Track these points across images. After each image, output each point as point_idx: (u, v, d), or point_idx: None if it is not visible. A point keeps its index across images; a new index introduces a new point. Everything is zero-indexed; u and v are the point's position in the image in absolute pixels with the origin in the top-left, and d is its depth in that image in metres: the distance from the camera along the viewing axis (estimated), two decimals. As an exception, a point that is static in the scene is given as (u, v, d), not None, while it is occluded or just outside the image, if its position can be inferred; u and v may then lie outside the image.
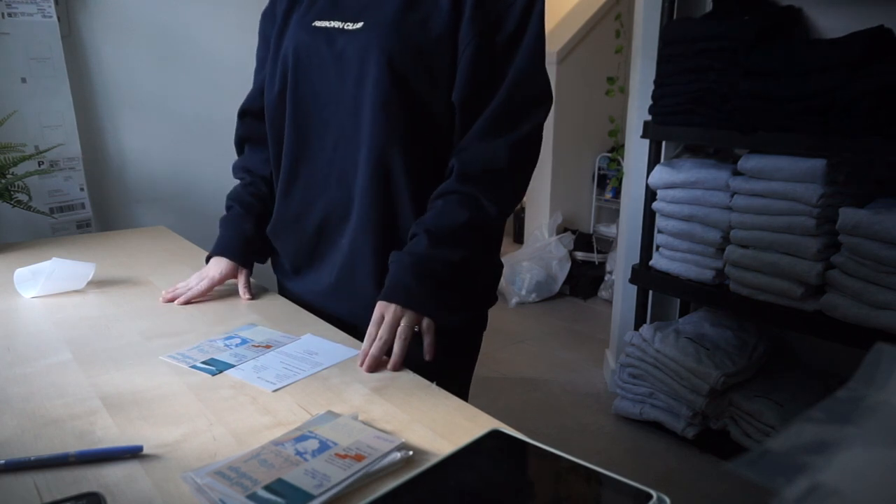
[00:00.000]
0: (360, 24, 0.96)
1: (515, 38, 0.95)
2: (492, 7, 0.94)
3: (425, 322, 0.93)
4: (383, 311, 0.91)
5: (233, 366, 0.88)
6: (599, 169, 3.91)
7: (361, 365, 0.87)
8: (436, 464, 0.63)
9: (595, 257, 3.67)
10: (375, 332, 0.90)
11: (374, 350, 0.88)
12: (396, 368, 0.87)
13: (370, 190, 0.99)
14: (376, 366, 0.87)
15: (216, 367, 0.88)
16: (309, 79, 1.01)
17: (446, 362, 0.97)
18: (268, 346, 0.95)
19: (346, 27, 0.97)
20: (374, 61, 0.94)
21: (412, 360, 0.90)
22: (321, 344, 0.96)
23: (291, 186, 1.07)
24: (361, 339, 0.93)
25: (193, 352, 0.93)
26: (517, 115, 0.96)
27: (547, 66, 0.99)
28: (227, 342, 0.96)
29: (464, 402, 0.80)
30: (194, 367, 0.88)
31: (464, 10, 0.93)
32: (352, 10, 0.97)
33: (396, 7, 0.94)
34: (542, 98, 0.98)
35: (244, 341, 0.97)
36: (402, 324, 0.90)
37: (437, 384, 0.84)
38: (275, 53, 1.05)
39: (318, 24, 0.99)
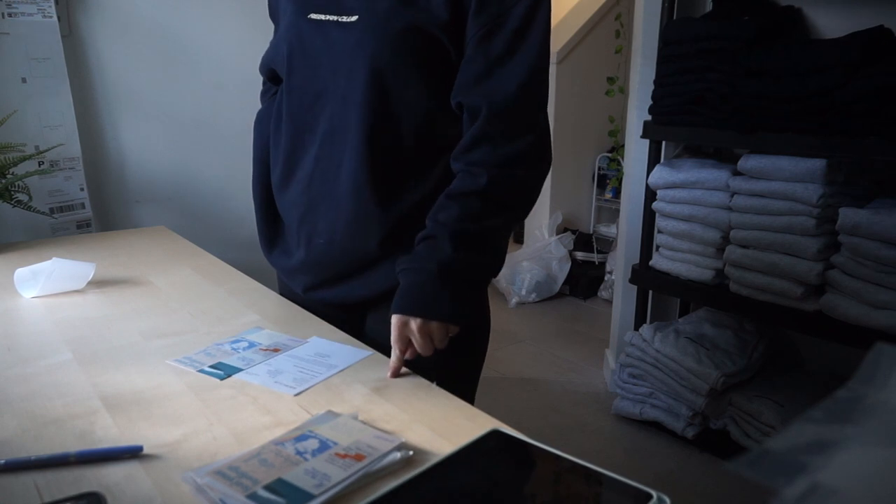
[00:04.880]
0: (354, 18, 0.95)
1: (517, 39, 0.93)
2: (495, 6, 0.92)
3: (451, 328, 0.92)
4: (410, 326, 0.89)
5: (241, 370, 0.88)
6: (599, 169, 3.91)
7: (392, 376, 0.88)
8: (436, 464, 0.63)
9: (595, 257, 3.67)
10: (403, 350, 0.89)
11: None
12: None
13: (352, 189, 0.98)
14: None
15: (224, 371, 0.88)
16: (302, 72, 1.01)
17: (455, 363, 0.97)
18: (276, 350, 0.94)
19: (341, 20, 0.96)
20: (364, 57, 0.93)
21: (419, 361, 0.90)
22: (330, 346, 0.96)
23: (287, 180, 1.07)
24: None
25: (200, 356, 0.92)
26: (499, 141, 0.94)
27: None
28: (234, 346, 0.96)
29: (464, 402, 0.80)
30: (202, 371, 0.88)
31: (467, 7, 0.91)
32: (349, 1, 0.96)
33: (392, 2, 0.93)
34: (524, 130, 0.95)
35: (251, 345, 0.96)
36: (436, 336, 0.89)
37: (442, 385, 0.84)
38: (276, 41, 1.06)
39: (314, 16, 0.99)
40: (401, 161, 0.99)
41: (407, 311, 0.89)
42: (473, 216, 0.91)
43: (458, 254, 0.89)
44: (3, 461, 0.65)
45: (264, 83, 1.20)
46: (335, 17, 0.96)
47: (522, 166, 0.95)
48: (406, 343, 0.89)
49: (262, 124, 1.15)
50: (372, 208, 0.99)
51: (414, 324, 0.88)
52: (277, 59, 1.06)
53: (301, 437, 0.68)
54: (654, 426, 2.25)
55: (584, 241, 3.72)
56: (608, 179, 3.86)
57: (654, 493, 0.57)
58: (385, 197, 0.98)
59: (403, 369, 0.88)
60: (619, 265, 2.63)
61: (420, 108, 0.97)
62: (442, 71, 0.95)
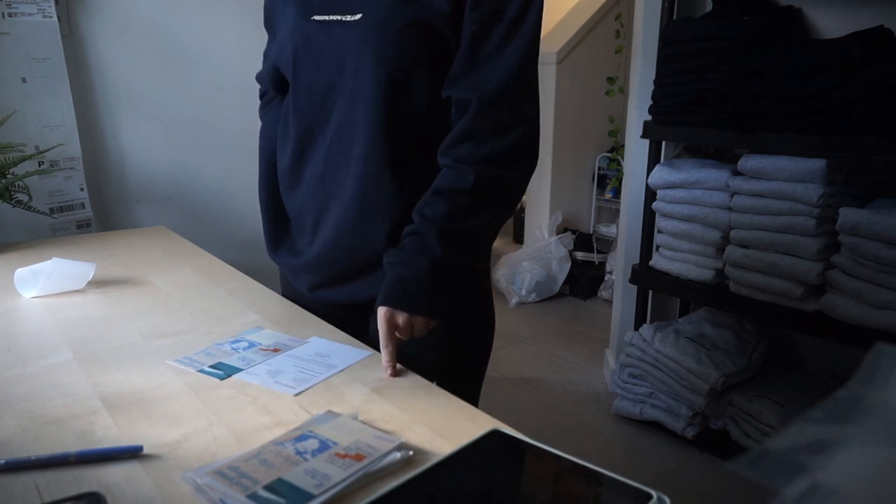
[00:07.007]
0: (358, 16, 0.96)
1: (509, 34, 0.93)
2: (491, 2, 0.92)
3: (433, 322, 0.94)
4: (398, 319, 0.91)
5: (241, 370, 0.88)
6: (599, 169, 3.91)
7: (390, 374, 0.88)
8: (436, 464, 0.63)
9: (595, 257, 3.67)
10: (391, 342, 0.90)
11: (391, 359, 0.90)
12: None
13: (359, 187, 0.99)
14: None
15: (224, 371, 0.88)
16: (308, 72, 1.01)
17: (458, 363, 0.96)
18: (276, 350, 0.94)
19: (344, 19, 0.97)
20: (369, 54, 0.94)
21: (425, 361, 0.90)
22: (330, 346, 0.96)
23: (296, 180, 1.07)
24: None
25: (200, 356, 0.92)
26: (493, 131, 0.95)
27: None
28: (234, 346, 0.96)
29: (464, 402, 0.80)
30: (202, 371, 0.88)
31: (464, 2, 0.92)
32: (351, 1, 0.97)
33: None
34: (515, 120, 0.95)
35: (251, 345, 0.96)
36: (417, 329, 0.92)
37: (444, 385, 0.84)
38: (278, 45, 1.07)
39: (317, 17, 0.99)
40: (406, 159, 0.99)
41: (395, 304, 0.91)
42: (460, 214, 0.92)
43: (447, 252, 0.91)
44: (3, 461, 0.65)
45: (263, 96, 1.21)
46: (339, 17, 0.97)
47: (510, 164, 0.95)
48: (395, 337, 0.91)
49: (270, 129, 1.15)
50: (377, 207, 0.99)
51: (401, 318, 0.91)
52: (282, 62, 1.06)
53: (301, 437, 0.68)
54: (654, 426, 2.25)
55: (584, 241, 3.72)
56: (608, 179, 3.86)
57: (654, 493, 0.57)
58: (390, 195, 0.99)
59: (402, 368, 0.88)
60: (619, 265, 2.63)
61: (425, 106, 0.97)
62: (445, 66, 0.96)
